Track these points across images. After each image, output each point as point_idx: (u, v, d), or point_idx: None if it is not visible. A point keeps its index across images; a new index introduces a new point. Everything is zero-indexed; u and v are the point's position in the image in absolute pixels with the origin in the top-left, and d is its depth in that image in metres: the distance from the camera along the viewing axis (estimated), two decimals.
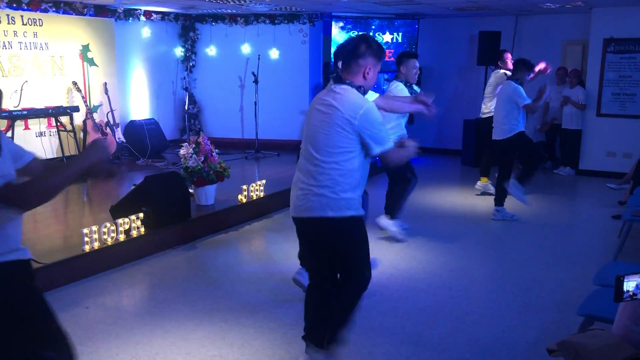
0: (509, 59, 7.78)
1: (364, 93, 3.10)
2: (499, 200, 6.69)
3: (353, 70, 3.05)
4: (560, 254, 5.54)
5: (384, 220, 5.90)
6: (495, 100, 7.02)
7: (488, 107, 7.75)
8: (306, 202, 3.03)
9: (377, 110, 3.05)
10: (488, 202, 7.22)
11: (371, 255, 3.27)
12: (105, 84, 9.21)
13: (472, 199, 7.73)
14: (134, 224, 5.26)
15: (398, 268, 5.08)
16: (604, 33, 9.04)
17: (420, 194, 7.37)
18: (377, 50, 3.08)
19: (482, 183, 7.95)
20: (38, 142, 8.32)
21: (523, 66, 6.58)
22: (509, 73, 7.33)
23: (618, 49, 8.99)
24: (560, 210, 7.34)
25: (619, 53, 8.99)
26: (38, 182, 2.13)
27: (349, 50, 3.06)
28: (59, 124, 7.83)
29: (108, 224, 5.05)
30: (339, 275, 3.25)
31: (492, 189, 7.53)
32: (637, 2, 8.29)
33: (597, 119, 9.20)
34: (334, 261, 3.20)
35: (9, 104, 7.84)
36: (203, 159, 6.17)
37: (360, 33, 7.78)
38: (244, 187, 6.64)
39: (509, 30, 10.33)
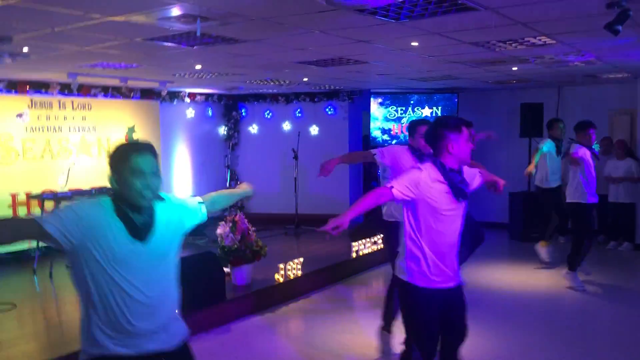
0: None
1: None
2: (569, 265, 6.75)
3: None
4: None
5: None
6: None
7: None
8: None
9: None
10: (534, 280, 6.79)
11: None
12: None
13: (527, 276, 7.34)
14: None
15: None
16: None
17: (481, 272, 7.12)
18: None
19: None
20: None
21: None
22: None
23: None
24: (626, 287, 6.83)
25: None
26: None
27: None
28: None
29: None
30: None
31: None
32: None
33: None
34: None
35: (56, 186, 8.08)
36: (240, 237, 6.11)
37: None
38: (281, 265, 6.50)
39: (552, 102, 10.15)
